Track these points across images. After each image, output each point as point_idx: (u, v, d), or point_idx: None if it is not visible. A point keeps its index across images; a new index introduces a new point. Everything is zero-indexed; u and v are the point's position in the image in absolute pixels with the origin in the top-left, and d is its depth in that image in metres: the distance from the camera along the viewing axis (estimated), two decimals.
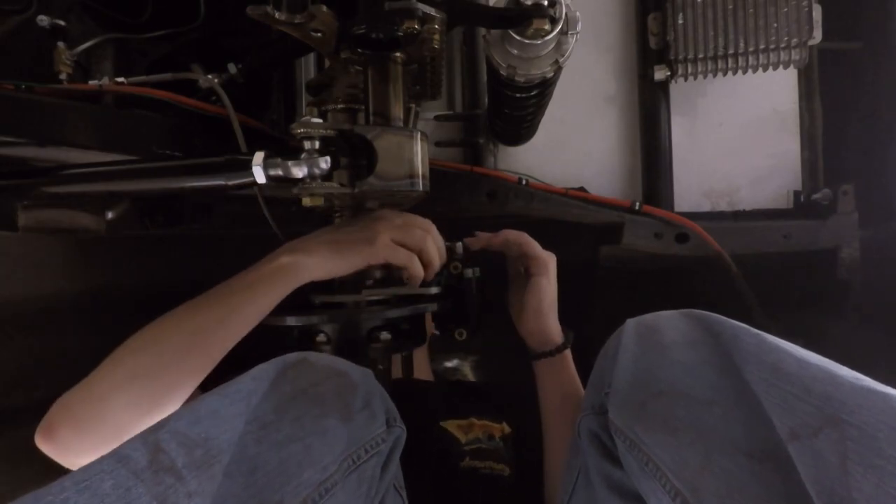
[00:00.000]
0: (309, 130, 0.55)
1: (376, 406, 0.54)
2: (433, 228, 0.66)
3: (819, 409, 0.40)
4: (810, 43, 0.89)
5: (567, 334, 0.77)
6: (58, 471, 1.02)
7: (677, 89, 1.00)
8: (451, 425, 0.80)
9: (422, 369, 0.96)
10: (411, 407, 0.82)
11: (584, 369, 0.73)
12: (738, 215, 1.02)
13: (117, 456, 0.40)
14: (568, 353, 0.76)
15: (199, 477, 0.40)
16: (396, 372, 0.70)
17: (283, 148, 0.56)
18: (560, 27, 0.64)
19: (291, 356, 0.53)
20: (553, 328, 0.76)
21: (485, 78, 0.95)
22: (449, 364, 1.20)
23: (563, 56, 0.67)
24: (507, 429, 0.82)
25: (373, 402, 0.54)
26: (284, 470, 0.44)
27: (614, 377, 0.54)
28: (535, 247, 0.75)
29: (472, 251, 0.74)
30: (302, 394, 0.49)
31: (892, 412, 0.37)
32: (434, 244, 0.65)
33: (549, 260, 0.75)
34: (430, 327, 0.83)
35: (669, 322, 0.56)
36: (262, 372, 0.50)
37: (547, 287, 0.74)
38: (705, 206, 1.03)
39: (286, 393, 0.49)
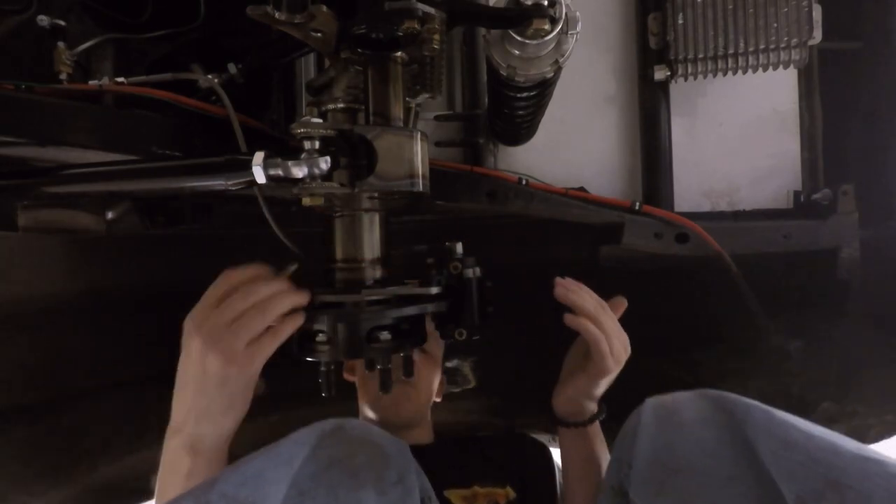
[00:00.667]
0: (309, 130, 0.55)
1: (410, 482, 0.54)
2: (240, 273, 0.59)
3: (823, 476, 0.44)
4: (810, 43, 0.89)
5: (601, 407, 0.77)
6: (58, 470, 1.03)
7: (677, 89, 1.00)
8: (455, 496, 0.80)
9: (423, 431, 0.96)
10: None
11: None
12: (738, 215, 1.02)
13: None
14: (597, 423, 0.77)
15: None
16: (397, 374, 0.70)
17: (283, 148, 0.56)
18: (560, 27, 0.64)
19: (329, 423, 0.55)
20: (592, 406, 0.76)
21: (485, 78, 0.95)
22: (449, 364, 1.20)
23: (563, 56, 0.67)
24: (511, 493, 0.81)
25: (407, 477, 0.54)
26: None
27: (634, 456, 0.57)
28: (618, 349, 0.73)
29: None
30: (337, 463, 0.50)
31: (887, 476, 0.43)
32: (258, 288, 0.57)
33: (625, 354, 0.75)
34: (439, 383, 0.86)
35: (686, 402, 0.60)
36: (303, 436, 0.52)
37: (611, 377, 0.74)
38: (705, 206, 1.03)
39: (323, 461, 0.50)
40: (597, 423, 0.77)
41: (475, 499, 0.80)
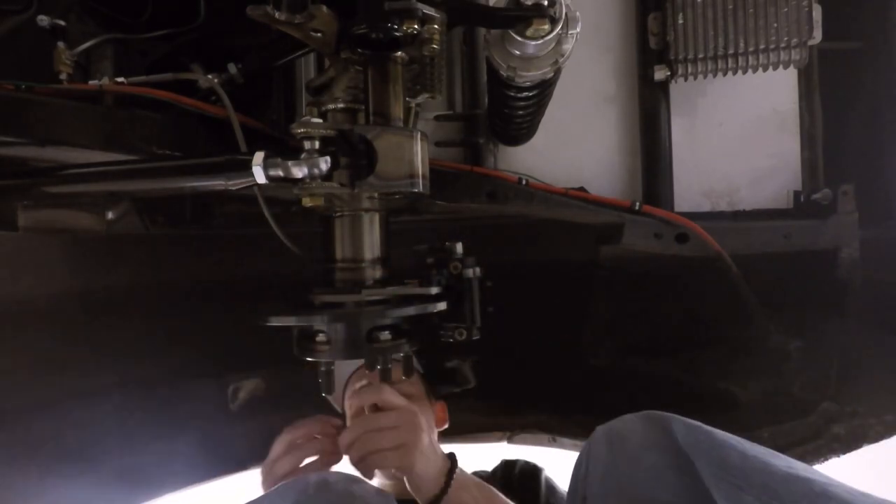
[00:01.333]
0: (309, 130, 0.55)
1: None
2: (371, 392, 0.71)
3: (757, 498, 0.49)
4: (810, 43, 0.89)
5: (451, 462, 0.72)
6: (59, 470, 1.02)
7: (677, 89, 1.00)
8: None
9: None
10: None
11: (584, 370, 0.73)
12: (738, 215, 1.02)
13: None
14: (459, 480, 0.71)
15: None
16: (397, 376, 0.70)
17: (283, 148, 0.56)
18: (560, 27, 0.64)
19: (312, 479, 0.56)
20: (431, 475, 0.70)
21: (485, 78, 0.95)
22: (449, 364, 1.20)
23: (562, 56, 0.67)
24: None
25: None
26: None
27: (587, 488, 0.60)
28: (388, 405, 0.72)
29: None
30: None
31: (812, 494, 0.48)
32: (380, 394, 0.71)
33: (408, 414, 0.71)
34: (438, 412, 0.84)
35: (632, 427, 0.63)
36: (287, 490, 0.54)
37: (410, 459, 0.69)
38: (705, 206, 1.03)
39: None
40: (468, 481, 0.72)
41: None
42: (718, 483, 0.51)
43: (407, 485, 0.71)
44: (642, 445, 0.59)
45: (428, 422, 0.75)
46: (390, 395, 0.71)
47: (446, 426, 0.97)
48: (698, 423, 0.59)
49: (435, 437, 0.78)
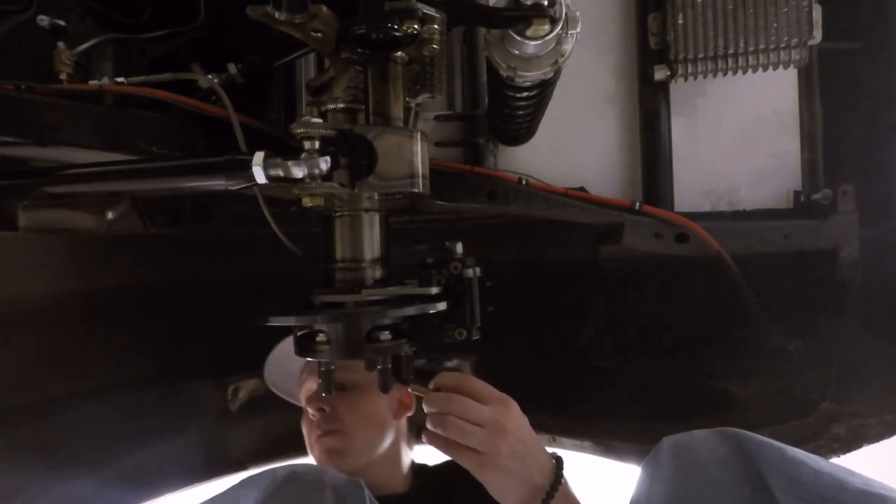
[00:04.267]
0: (309, 130, 0.55)
1: None
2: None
3: None
4: (810, 43, 0.89)
5: (558, 462, 0.67)
6: (59, 469, 1.02)
7: (677, 89, 1.00)
8: None
9: (390, 475, 0.92)
10: None
11: (584, 370, 0.73)
12: (738, 215, 1.02)
13: None
14: (563, 486, 0.66)
15: None
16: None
17: (283, 148, 0.56)
18: (560, 27, 0.64)
19: (281, 469, 0.56)
20: (537, 473, 0.65)
21: (485, 78, 0.95)
22: (449, 364, 1.20)
23: (562, 56, 0.67)
24: None
25: None
26: None
27: (651, 500, 0.58)
28: (484, 445, 0.63)
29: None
30: None
31: None
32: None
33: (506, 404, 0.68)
34: (397, 404, 0.82)
35: (702, 442, 0.61)
36: (253, 481, 0.54)
37: (507, 463, 0.64)
38: (705, 206, 1.03)
39: None
40: (564, 485, 0.66)
41: None
42: (789, 499, 0.50)
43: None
44: (712, 459, 0.58)
45: (515, 421, 0.66)
46: (480, 385, 0.67)
47: (410, 413, 0.94)
48: (770, 440, 0.58)
49: (531, 442, 0.66)
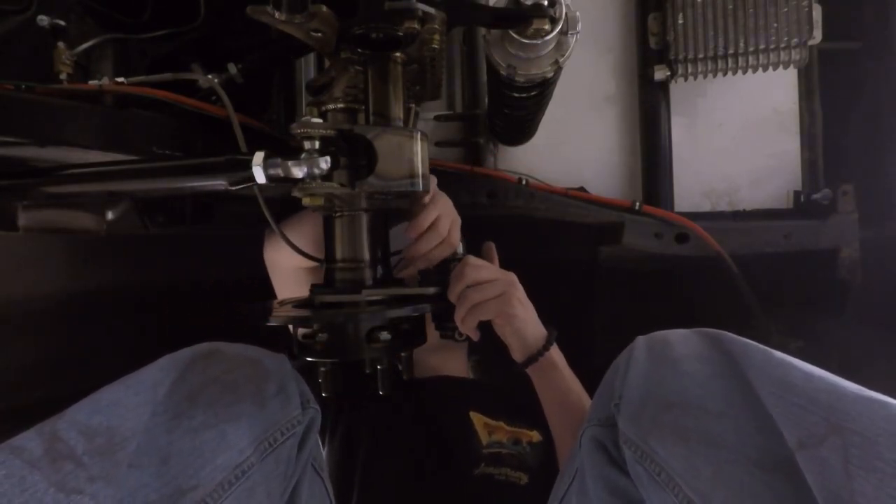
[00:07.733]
0: (309, 130, 0.55)
1: (290, 390, 0.55)
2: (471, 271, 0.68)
3: (824, 419, 0.41)
4: (810, 43, 0.89)
5: (550, 333, 0.72)
6: None
7: (677, 89, 1.00)
8: (479, 420, 0.79)
9: (460, 369, 0.95)
10: (443, 397, 0.82)
11: (584, 371, 0.73)
12: (738, 215, 1.02)
13: (10, 448, 0.41)
14: (553, 354, 0.71)
15: (102, 462, 0.42)
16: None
17: (283, 148, 0.56)
18: (560, 27, 0.64)
19: (202, 346, 0.55)
20: (531, 334, 0.70)
21: (485, 78, 0.95)
22: None
23: (563, 56, 0.67)
24: (537, 437, 0.80)
25: (287, 386, 0.55)
26: (199, 455, 0.45)
27: (625, 389, 0.54)
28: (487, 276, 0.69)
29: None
30: (213, 382, 0.50)
31: (892, 419, 0.40)
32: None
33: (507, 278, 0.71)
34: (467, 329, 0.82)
35: (680, 338, 0.57)
36: (171, 362, 0.52)
37: (514, 308, 0.69)
38: (705, 206, 1.03)
39: (197, 382, 0.50)
40: (560, 361, 0.72)
41: (497, 431, 0.79)
42: (777, 402, 0.44)
43: (507, 339, 0.70)
44: (689, 356, 0.53)
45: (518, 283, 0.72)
46: (487, 268, 0.71)
47: None
48: (755, 342, 0.52)
49: (530, 306, 0.73)
